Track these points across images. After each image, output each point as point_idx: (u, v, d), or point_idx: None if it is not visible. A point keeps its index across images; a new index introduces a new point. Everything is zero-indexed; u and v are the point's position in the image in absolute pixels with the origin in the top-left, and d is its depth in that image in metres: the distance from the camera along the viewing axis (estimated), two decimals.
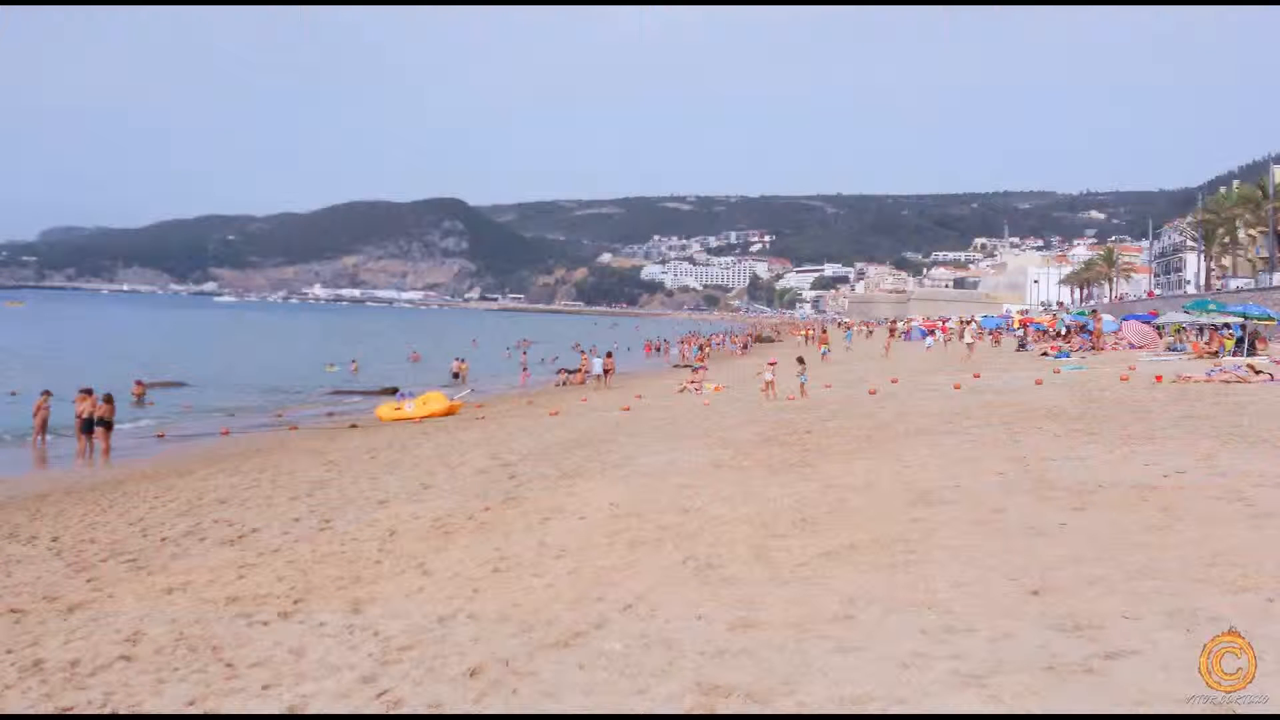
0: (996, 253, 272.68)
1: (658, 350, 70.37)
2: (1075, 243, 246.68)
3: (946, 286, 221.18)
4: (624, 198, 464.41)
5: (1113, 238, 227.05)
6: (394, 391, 36.39)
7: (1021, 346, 47.67)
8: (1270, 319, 38.40)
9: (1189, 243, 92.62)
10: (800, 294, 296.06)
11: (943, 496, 9.72)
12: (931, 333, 62.55)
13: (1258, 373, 23.26)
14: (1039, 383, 23.73)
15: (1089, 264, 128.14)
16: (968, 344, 45.85)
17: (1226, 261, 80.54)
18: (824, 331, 72.72)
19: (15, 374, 39.87)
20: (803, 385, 24.30)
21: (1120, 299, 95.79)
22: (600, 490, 12.05)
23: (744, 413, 21.07)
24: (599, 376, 38.37)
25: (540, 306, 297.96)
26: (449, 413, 27.99)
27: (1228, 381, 21.77)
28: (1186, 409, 16.41)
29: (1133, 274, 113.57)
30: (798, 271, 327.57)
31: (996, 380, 25.69)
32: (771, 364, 26.69)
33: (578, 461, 15.14)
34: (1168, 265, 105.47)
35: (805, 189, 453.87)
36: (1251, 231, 75.74)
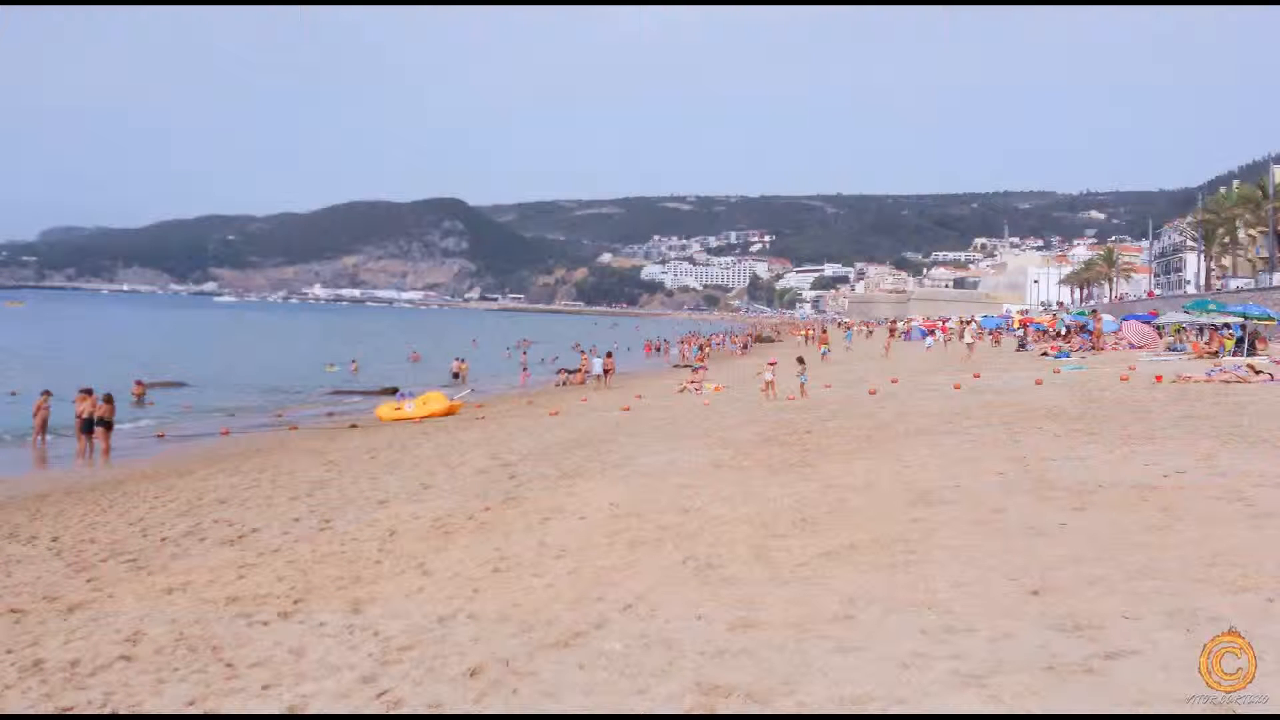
0: (996, 253, 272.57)
1: (658, 350, 70.35)
2: (1075, 243, 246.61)
3: (946, 286, 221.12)
4: (624, 198, 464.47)
5: (1113, 238, 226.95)
6: (394, 391, 36.37)
7: (1021, 346, 47.67)
8: (1270, 319, 38.39)
9: (1189, 243, 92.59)
10: (800, 294, 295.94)
11: (943, 496, 9.72)
12: (931, 333, 62.53)
13: (1258, 373, 23.26)
14: (1039, 383, 23.72)
15: (1089, 264, 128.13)
16: (968, 344, 45.84)
17: (1226, 261, 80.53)
18: (824, 331, 72.69)
19: (15, 374, 39.85)
20: (803, 385, 24.29)
21: (1120, 299, 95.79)
22: (600, 490, 12.05)
23: (744, 413, 21.07)
24: (599, 376, 38.36)
25: (540, 306, 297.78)
26: (449, 413, 27.99)
27: (1228, 381, 21.77)
28: (1186, 409, 16.41)
29: (1133, 274, 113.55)
30: (798, 271, 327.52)
31: (996, 380, 25.68)
32: (771, 364, 26.68)
33: (578, 461, 15.13)
34: (1168, 265, 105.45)
35: (805, 189, 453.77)
36: (1251, 231, 75.72)
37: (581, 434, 19.24)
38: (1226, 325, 37.35)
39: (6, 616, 8.46)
